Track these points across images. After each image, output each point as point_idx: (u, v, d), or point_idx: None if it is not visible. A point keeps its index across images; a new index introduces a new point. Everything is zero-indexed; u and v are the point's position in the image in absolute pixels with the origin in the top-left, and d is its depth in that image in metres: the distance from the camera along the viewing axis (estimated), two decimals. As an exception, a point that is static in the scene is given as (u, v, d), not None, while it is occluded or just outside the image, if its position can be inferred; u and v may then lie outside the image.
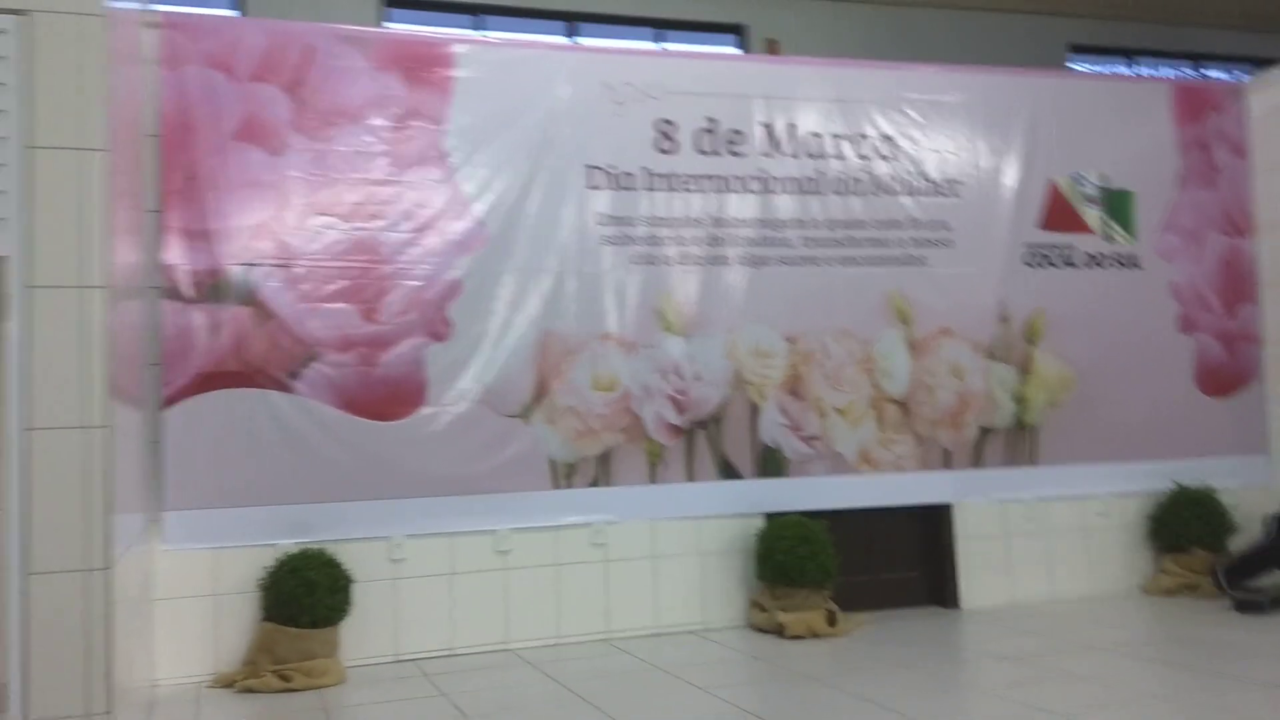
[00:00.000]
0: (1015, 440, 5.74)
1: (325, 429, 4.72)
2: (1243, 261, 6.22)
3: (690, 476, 5.23)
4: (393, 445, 4.80)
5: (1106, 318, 5.93)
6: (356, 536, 4.76)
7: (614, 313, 5.18)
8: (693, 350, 5.26)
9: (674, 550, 5.19)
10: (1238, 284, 6.20)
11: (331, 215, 4.82)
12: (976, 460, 5.66)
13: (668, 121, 5.36)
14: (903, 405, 5.56)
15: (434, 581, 4.85)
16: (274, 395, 4.68)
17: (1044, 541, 5.75)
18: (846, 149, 5.61)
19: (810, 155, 5.55)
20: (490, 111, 5.09)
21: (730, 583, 5.25)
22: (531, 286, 5.07)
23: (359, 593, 4.65)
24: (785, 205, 5.49)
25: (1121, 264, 6.01)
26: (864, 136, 5.65)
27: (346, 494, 4.75)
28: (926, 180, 5.71)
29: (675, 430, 5.20)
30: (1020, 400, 5.74)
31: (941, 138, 5.76)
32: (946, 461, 5.62)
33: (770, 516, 5.30)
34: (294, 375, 4.71)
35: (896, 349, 5.58)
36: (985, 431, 5.68)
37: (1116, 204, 6.05)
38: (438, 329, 4.90)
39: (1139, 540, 5.90)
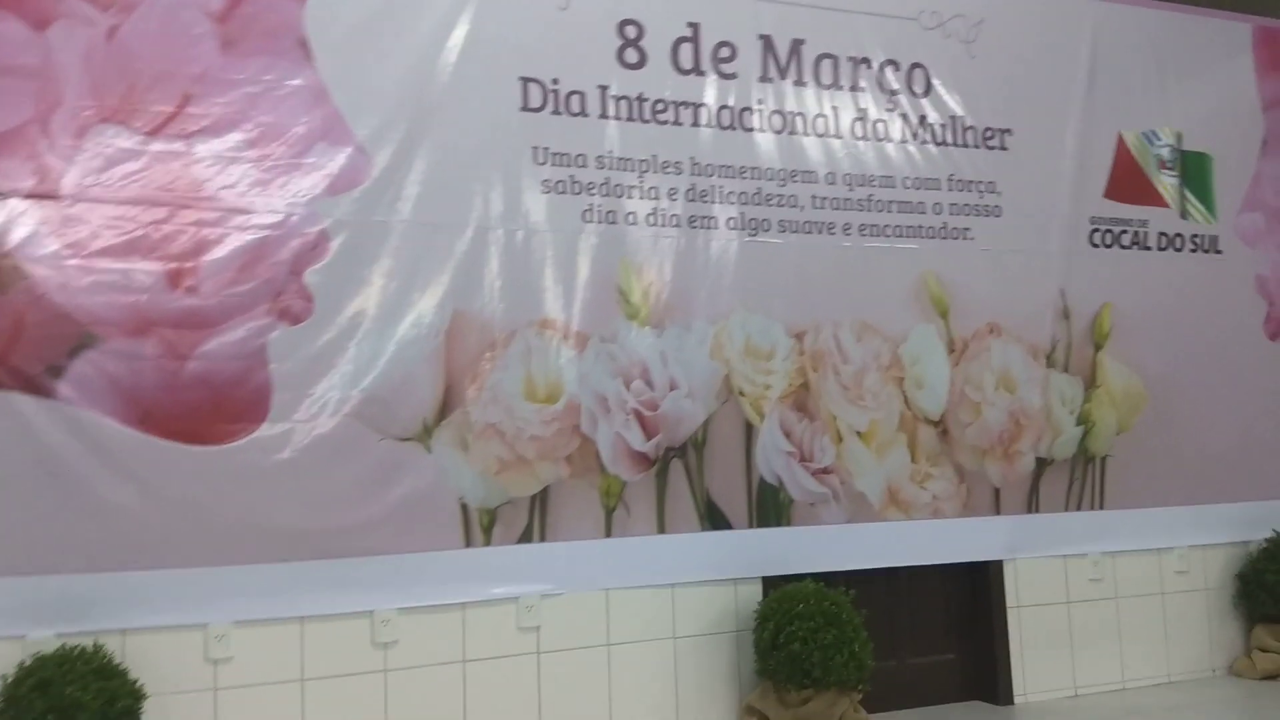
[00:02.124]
0: (1079, 475, 4.32)
1: (105, 455, 3.01)
2: (1335, 249, 4.96)
3: (661, 526, 3.65)
4: (214, 483, 3.11)
5: (1182, 316, 4.58)
6: (154, 624, 3.05)
7: (556, 290, 3.58)
8: (666, 347, 3.69)
9: (637, 634, 3.60)
10: (1330, 278, 4.93)
11: (124, 125, 3.11)
12: (1032, 502, 4.23)
13: (633, 24, 3.79)
14: (941, 427, 4.09)
15: (278, 692, 3.15)
16: (21, 401, 2.95)
17: (1113, 610, 4.35)
18: (868, 78, 4.12)
19: (823, 84, 4.05)
20: (380, -13, 3.47)
21: (715, 681, 3.68)
22: (436, 247, 3.44)
23: (158, 716, 2.95)
24: (790, 150, 3.96)
25: (1199, 248, 4.67)
26: (892, 64, 4.16)
27: (139, 558, 3.04)
28: (967, 126, 4.26)
29: (641, 460, 3.62)
30: (1085, 422, 4.33)
31: (987, 68, 4.32)
32: (996, 504, 4.17)
33: (771, 582, 3.77)
34: (55, 371, 2.98)
35: (932, 350, 4.11)
36: (1043, 464, 4.25)
37: (1193, 170, 4.71)
38: (289, 305, 3.22)
39: (1225, 606, 4.55)
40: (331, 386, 3.25)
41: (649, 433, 3.63)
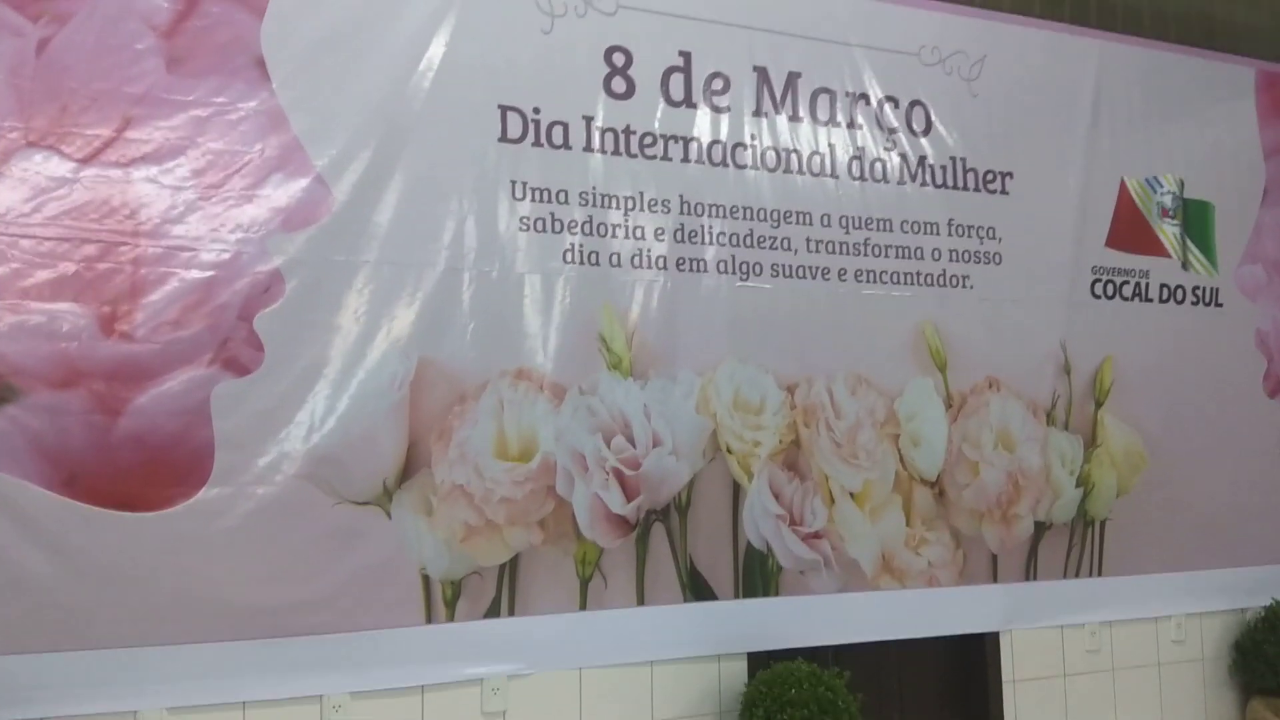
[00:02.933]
0: (1078, 540, 4.09)
1: (25, 523, 2.65)
2: (1333, 305, 4.79)
3: (641, 597, 3.35)
4: (148, 553, 2.76)
5: (1182, 372, 4.37)
6: (80, 712, 2.70)
7: (533, 337, 3.28)
8: (650, 399, 3.40)
9: (612, 717, 3.29)
10: (1327, 334, 4.76)
11: (55, 150, 2.76)
12: (1030, 569, 3.99)
13: (622, 51, 3.50)
14: (937, 488, 3.84)
15: (213, 787, 2.82)
16: (-76, 462, 2.60)
17: (1109, 683, 4.12)
18: (866, 115, 3.87)
19: (819, 120, 3.79)
20: (345, 2, 3.15)
21: (697, 766, 3.40)
22: (401, 290, 3.12)
23: (71, 819, 2.61)
24: (785, 189, 3.70)
25: (1200, 300, 4.47)
26: (891, 100, 3.92)
27: (63, 638, 2.69)
28: (968, 168, 4.03)
29: (621, 524, 3.33)
30: (1085, 484, 4.10)
31: (989, 107, 4.09)
32: (993, 571, 3.92)
33: (756, 658, 3.49)
34: (-34, 427, 2.63)
35: (929, 405, 3.86)
36: (1041, 528, 4.02)
37: (1195, 220, 4.52)
38: (236, 354, 2.89)
39: (1221, 676, 4.34)
40: (281, 445, 2.91)
41: (630, 494, 3.33)
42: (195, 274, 2.85)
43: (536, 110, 3.35)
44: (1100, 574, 4.12)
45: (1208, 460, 4.37)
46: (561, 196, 3.35)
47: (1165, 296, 4.38)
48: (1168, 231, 4.44)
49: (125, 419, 2.74)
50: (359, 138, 3.10)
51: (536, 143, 3.34)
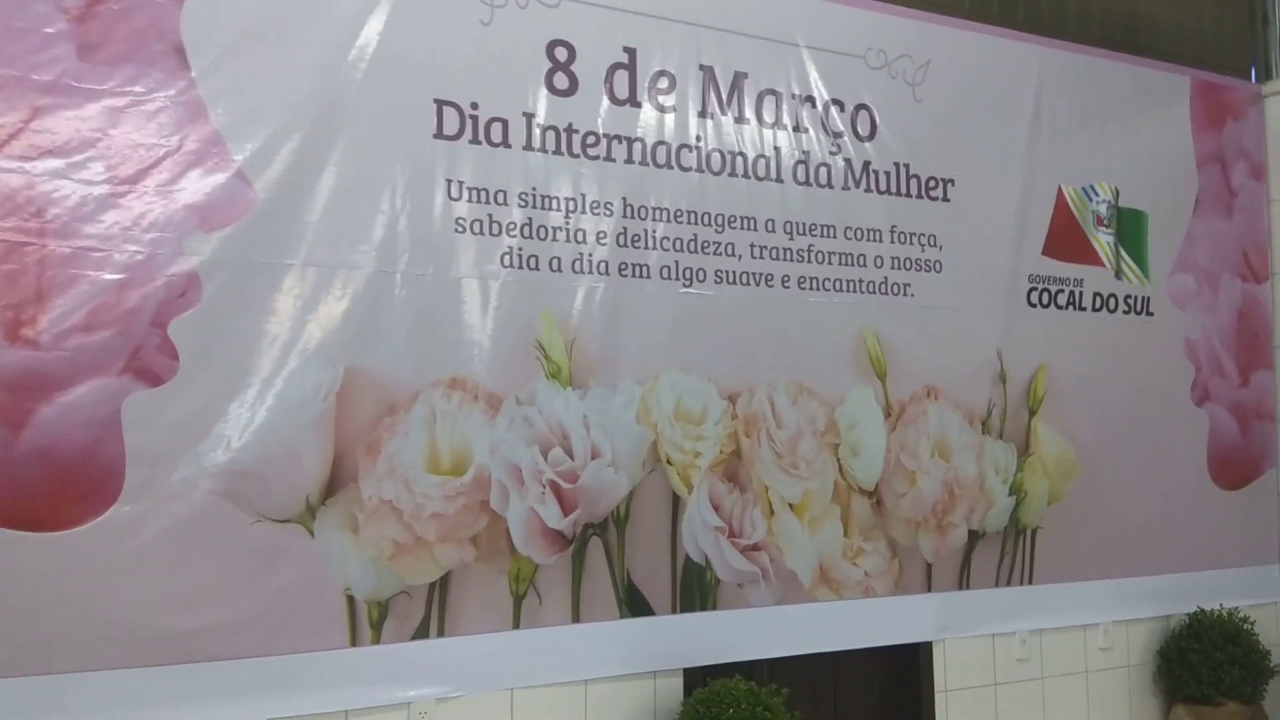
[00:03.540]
0: (1010, 549, 4.10)
1: (-88, 544, 2.45)
2: (1258, 314, 4.87)
3: (576, 614, 3.25)
4: (54, 575, 2.57)
5: (1113, 380, 4.40)
6: (-31, 746, 2.53)
7: (468, 344, 3.14)
8: (589, 410, 3.29)
9: (546, 737, 3.21)
10: (1252, 343, 4.83)
11: (-51, 137, 2.55)
12: (963, 578, 3.98)
13: (564, 45, 3.37)
14: (875, 498, 3.80)
15: (121, 823, 2.65)
16: None
17: (1038, 691, 4.14)
18: (812, 119, 3.79)
19: (765, 123, 3.70)
20: (272, -13, 2.96)
21: (631, 786, 3.32)
22: (328, 294, 2.96)
23: None
24: (730, 193, 3.61)
25: (1132, 309, 4.50)
26: (837, 104, 3.85)
27: (-49, 667, 2.50)
28: (911, 174, 3.98)
29: (557, 539, 3.22)
30: (1018, 492, 4.11)
31: (932, 112, 4.04)
32: (927, 580, 3.90)
33: (692, 674, 3.42)
34: None
35: (869, 414, 3.81)
36: (975, 537, 4.01)
37: (1128, 228, 4.54)
38: (149, 363, 2.70)
39: (1146, 683, 4.40)
40: (197, 460, 2.73)
41: (567, 508, 3.22)
42: (106, 276, 2.65)
43: (474, 105, 3.20)
44: (1031, 582, 4.13)
45: (1137, 468, 4.41)
46: (500, 197, 3.21)
47: (1098, 305, 4.40)
48: (1102, 240, 4.45)
49: (29, 432, 2.54)
50: (284, 132, 2.93)
51: (474, 140, 3.19)
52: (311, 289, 2.93)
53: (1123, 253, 4.50)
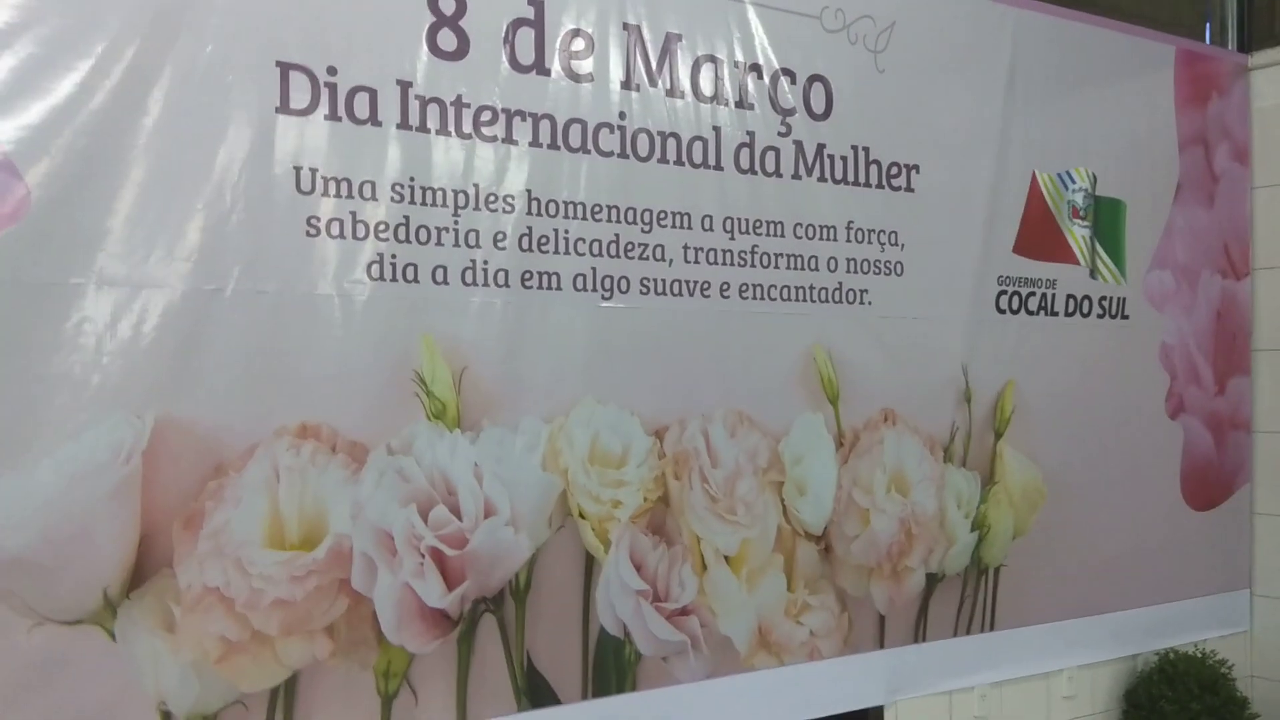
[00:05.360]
0: (970, 592, 3.59)
1: None
2: (1237, 314, 4.39)
3: (463, 712, 2.62)
4: None
5: (1086, 394, 3.89)
6: None
7: (322, 382, 2.44)
8: (483, 457, 2.63)
9: None
10: (1230, 346, 4.36)
11: None
12: (920, 629, 3.46)
13: (452, -6, 2.65)
14: (823, 543, 3.23)
15: None
16: None
17: (998, 749, 3.67)
18: (758, 92, 3.14)
19: (702, 97, 3.04)
20: (47, -96, 2.18)
21: None
22: (130, 322, 2.23)
23: None
24: (660, 183, 2.94)
25: (1107, 312, 3.98)
26: (787, 74, 3.20)
27: None
28: (871, 160, 3.37)
29: (438, 620, 2.57)
30: (981, 526, 3.59)
31: (896, 84, 3.42)
32: (880, 635, 3.37)
33: (606, 773, 2.84)
34: None
35: (817, 446, 3.23)
36: (933, 580, 3.48)
37: (1105, 220, 4.00)
38: None
39: (1113, 732, 3.98)
40: (-56, 555, 2.02)
41: (452, 581, 2.57)
42: None
43: (332, 71, 2.47)
44: (992, 628, 3.63)
45: (1107, 493, 3.93)
46: (366, 189, 2.50)
47: (1071, 309, 3.87)
48: (1077, 234, 3.90)
49: None
50: (70, 107, 2.17)
51: (332, 115, 2.47)
52: (108, 316, 2.20)
53: (1098, 248, 3.96)
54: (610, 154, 2.85)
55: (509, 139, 2.70)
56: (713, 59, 3.04)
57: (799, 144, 3.19)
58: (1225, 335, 4.34)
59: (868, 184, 3.34)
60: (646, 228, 2.90)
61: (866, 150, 3.34)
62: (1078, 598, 3.85)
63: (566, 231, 2.77)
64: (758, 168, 3.11)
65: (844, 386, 3.27)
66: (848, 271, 3.30)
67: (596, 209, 2.82)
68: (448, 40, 2.62)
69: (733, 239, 3.06)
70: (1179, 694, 3.78)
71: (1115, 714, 3.95)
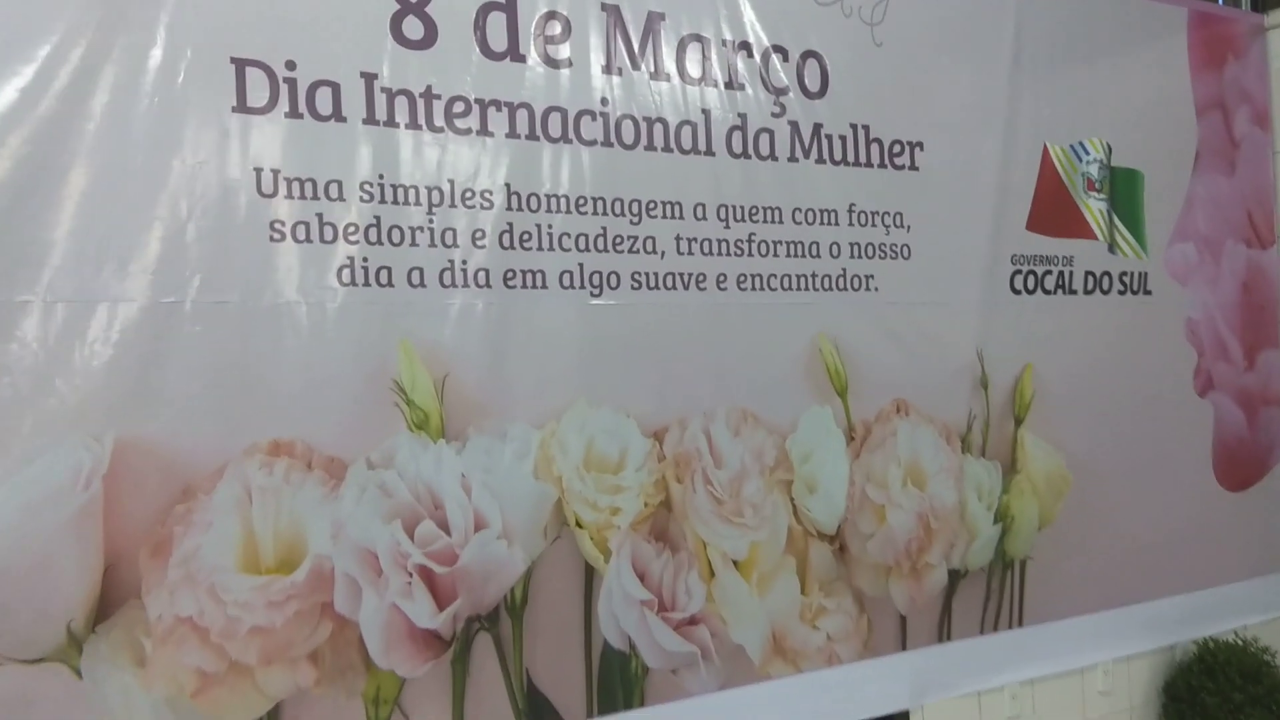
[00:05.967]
0: (996, 587, 3.42)
1: None
2: (1265, 284, 4.20)
3: (459, 737, 2.49)
4: None
5: (1109, 375, 3.71)
6: None
7: (295, 396, 2.31)
8: (470, 467, 2.49)
9: None
10: (1258, 319, 4.17)
11: None
12: (944, 628, 3.29)
13: (418, -20, 2.51)
14: (837, 543, 3.08)
15: None
16: None
17: (1031, 749, 3.51)
18: (749, 71, 2.99)
19: (689, 79, 2.89)
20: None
21: None
22: (83, 339, 2.11)
23: None
24: (648, 172, 2.80)
25: (1128, 289, 3.80)
26: (779, 51, 3.04)
27: None
28: (871, 139, 3.21)
29: (430, 641, 2.44)
30: (1004, 518, 3.42)
31: (895, 59, 3.26)
32: (901, 636, 3.20)
33: (616, 795, 2.69)
34: None
35: (827, 440, 3.07)
36: (956, 577, 3.32)
37: (1122, 192, 3.83)
38: None
39: (1151, 726, 3.80)
40: (-117, 599, 1.90)
41: (443, 600, 2.44)
42: None
43: (290, 65, 2.33)
44: (1021, 624, 3.46)
45: (1135, 476, 3.75)
46: (333, 190, 2.37)
47: (1090, 287, 3.69)
48: (1094, 208, 3.73)
49: None
50: (11, 113, 2.05)
51: (292, 112, 2.33)
52: (58, 334, 2.07)
53: (1116, 221, 3.79)
54: (593, 143, 2.70)
55: (484, 131, 2.56)
56: (699, 38, 2.90)
57: (794, 124, 3.04)
58: (1253, 307, 4.15)
59: (869, 164, 3.18)
60: (635, 219, 2.76)
61: (866, 128, 3.18)
62: (1110, 588, 3.67)
63: (550, 226, 2.63)
64: (751, 151, 2.96)
65: (852, 378, 3.11)
66: (851, 257, 3.14)
67: (581, 201, 2.67)
68: (414, 28, 2.48)
69: (728, 228, 2.91)
70: (1220, 684, 3.60)
71: (1154, 708, 3.77)
